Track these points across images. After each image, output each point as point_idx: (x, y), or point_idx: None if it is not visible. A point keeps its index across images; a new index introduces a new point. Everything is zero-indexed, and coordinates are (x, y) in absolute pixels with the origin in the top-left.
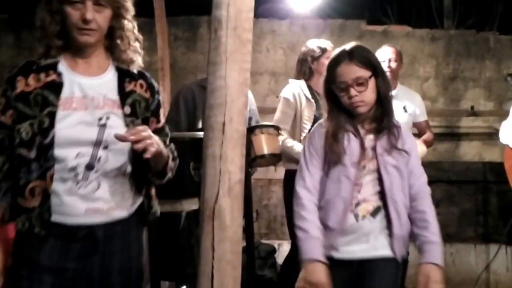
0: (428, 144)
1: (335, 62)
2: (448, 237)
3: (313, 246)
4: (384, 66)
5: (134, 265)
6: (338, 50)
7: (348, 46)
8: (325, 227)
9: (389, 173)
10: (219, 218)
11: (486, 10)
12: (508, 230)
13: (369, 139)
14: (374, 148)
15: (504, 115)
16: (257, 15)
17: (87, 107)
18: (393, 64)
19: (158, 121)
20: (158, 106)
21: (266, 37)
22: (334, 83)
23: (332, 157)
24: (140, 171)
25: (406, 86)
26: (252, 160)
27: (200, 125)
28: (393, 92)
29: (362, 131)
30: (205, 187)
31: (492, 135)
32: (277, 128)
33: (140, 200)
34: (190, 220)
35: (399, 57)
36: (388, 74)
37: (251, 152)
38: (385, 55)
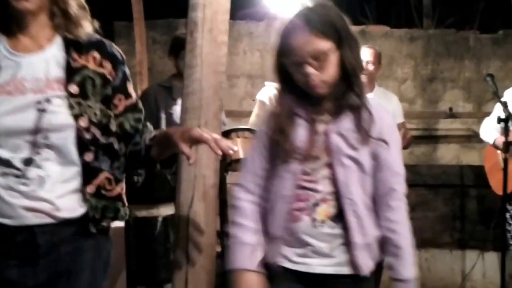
0: (405, 141)
1: (288, 30)
2: (423, 243)
3: (241, 252)
4: None
5: (87, 269)
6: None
7: (304, 6)
8: (269, 234)
9: (345, 166)
10: (193, 222)
11: (467, 8)
12: (493, 236)
13: (323, 122)
14: (327, 133)
15: (483, 117)
16: (234, 17)
17: (26, 91)
18: (371, 67)
19: (128, 96)
20: (125, 79)
21: (243, 39)
22: (287, 56)
23: (278, 152)
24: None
25: (383, 87)
26: (228, 165)
27: (163, 125)
28: (370, 95)
29: (315, 114)
30: (180, 192)
31: (470, 138)
32: (253, 132)
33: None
34: (166, 225)
35: (377, 59)
36: (363, 77)
37: (227, 156)
38: (362, 57)
